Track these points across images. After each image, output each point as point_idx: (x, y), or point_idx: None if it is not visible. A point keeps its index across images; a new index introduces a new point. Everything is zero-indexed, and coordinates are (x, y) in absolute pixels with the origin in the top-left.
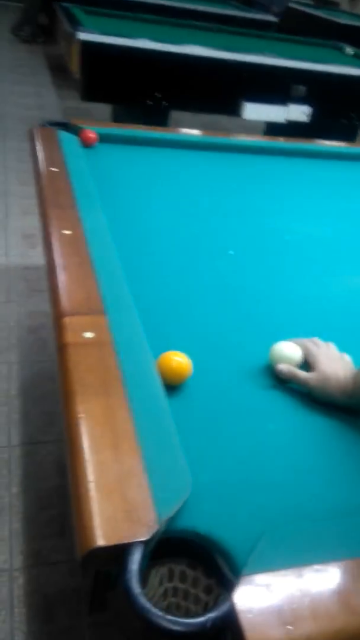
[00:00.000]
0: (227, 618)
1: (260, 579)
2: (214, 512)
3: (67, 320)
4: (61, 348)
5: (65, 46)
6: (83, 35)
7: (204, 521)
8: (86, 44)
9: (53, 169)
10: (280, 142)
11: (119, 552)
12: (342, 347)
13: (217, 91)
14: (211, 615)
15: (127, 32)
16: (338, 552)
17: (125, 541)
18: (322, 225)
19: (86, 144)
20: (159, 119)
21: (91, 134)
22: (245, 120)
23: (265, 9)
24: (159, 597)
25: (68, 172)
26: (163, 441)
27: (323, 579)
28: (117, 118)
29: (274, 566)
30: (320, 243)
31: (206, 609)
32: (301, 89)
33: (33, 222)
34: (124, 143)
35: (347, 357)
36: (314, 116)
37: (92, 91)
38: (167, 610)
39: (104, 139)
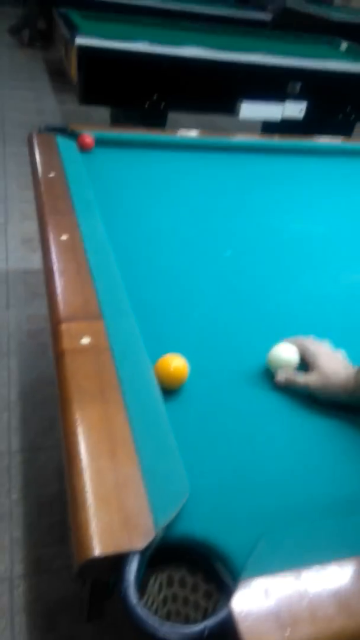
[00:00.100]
0: (225, 625)
1: (258, 583)
2: (212, 516)
3: (64, 326)
4: (58, 354)
5: (63, 51)
6: (80, 40)
7: (202, 526)
8: (83, 49)
9: (51, 175)
10: (277, 140)
11: (116, 562)
12: (341, 345)
13: (214, 91)
14: (208, 623)
15: (124, 36)
16: (336, 552)
17: (122, 551)
18: (319, 222)
19: (83, 149)
20: (157, 120)
21: (88, 138)
22: (242, 119)
23: (261, 8)
24: (159, 604)
25: (66, 178)
26: (160, 447)
27: (321, 581)
28: (116, 120)
29: (272, 569)
30: (318, 241)
31: (206, 615)
32: (297, 86)
33: (33, 227)
34: (121, 146)
35: (341, 354)
36: (311, 112)
37: (90, 95)
38: (167, 617)
39: (101, 143)
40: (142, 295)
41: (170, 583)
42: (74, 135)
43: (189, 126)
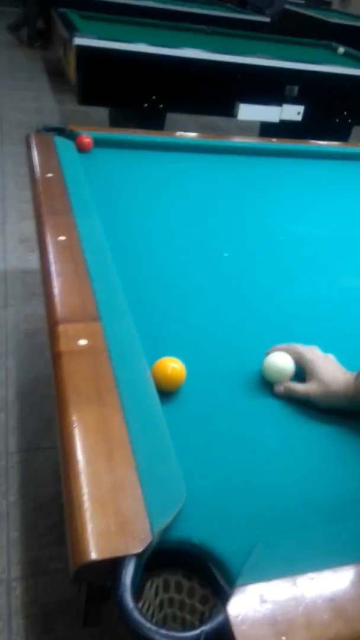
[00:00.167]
0: (221, 630)
1: (254, 589)
2: (209, 520)
3: (61, 327)
4: (56, 356)
5: (62, 51)
6: (79, 40)
7: (198, 530)
8: (82, 49)
9: (49, 175)
10: (275, 143)
11: (112, 566)
12: (338, 348)
13: (212, 93)
14: (205, 628)
15: (123, 36)
16: (332, 558)
17: (118, 555)
18: (316, 225)
19: (82, 149)
20: (156, 121)
21: (86, 138)
22: (240, 120)
23: (259, 11)
24: (155, 609)
25: (64, 178)
26: (157, 449)
27: (317, 587)
28: (115, 121)
29: (268, 575)
30: (315, 243)
31: (202, 619)
32: (294, 89)
33: (31, 226)
34: (119, 147)
35: (332, 357)
36: (308, 116)
37: (89, 95)
38: (164, 621)
39: (99, 143)
40: (140, 297)
41: (166, 587)
42: (72, 135)
43: (187, 127)
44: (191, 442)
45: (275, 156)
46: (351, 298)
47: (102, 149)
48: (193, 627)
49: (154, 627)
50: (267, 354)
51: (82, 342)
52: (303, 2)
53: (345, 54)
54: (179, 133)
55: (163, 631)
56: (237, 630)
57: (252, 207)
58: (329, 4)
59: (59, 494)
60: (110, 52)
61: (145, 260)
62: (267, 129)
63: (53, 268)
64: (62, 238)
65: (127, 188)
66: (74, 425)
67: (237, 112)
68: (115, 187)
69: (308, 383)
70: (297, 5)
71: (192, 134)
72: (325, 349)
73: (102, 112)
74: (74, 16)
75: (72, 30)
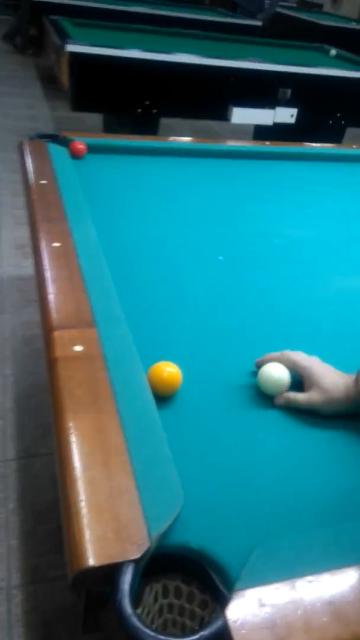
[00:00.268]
0: (220, 635)
1: (253, 593)
2: (207, 525)
3: (56, 334)
4: (51, 362)
5: (54, 58)
6: (71, 47)
7: (196, 535)
8: (75, 56)
9: (42, 182)
10: (269, 146)
11: (110, 572)
12: (333, 349)
13: (205, 97)
14: (204, 633)
15: (115, 43)
16: (331, 561)
17: (116, 561)
18: (311, 227)
19: (75, 156)
20: (149, 126)
21: (80, 145)
22: (234, 124)
23: (250, 16)
24: (155, 614)
25: (57, 185)
26: (154, 455)
27: (315, 590)
28: (108, 127)
29: (267, 579)
30: (309, 245)
31: (202, 625)
32: (287, 92)
33: (26, 233)
34: (112, 153)
35: (317, 359)
36: (301, 118)
37: (82, 101)
38: (164, 627)
39: (93, 149)
40: (135, 302)
41: (165, 593)
42: (65, 142)
43: (181, 131)
44: (188, 447)
45: (270, 159)
46: (346, 300)
47: (96, 155)
48: (192, 632)
49: (152, 633)
50: (258, 363)
51: (78, 348)
52: (295, 5)
53: (337, 56)
54: (172, 138)
55: (162, 637)
56: (237, 635)
57: (246, 210)
58: (321, 6)
59: (57, 500)
60: (102, 59)
61: (140, 265)
62: (261, 132)
63: (48, 274)
64: (56, 245)
65: (121, 194)
66: (71, 431)
67: (230, 115)
68: (109, 193)
69: (309, 392)
70: (289, 8)
71: (186, 139)
72: (321, 350)
73: (95, 118)
74: (65, 23)
75: (65, 37)
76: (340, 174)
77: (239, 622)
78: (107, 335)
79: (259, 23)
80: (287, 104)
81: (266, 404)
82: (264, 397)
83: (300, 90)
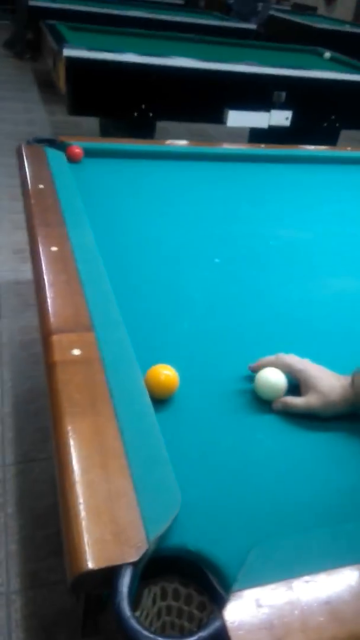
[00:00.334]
0: (217, 636)
1: (250, 594)
2: (205, 527)
3: (55, 337)
4: (49, 366)
5: (51, 62)
6: (68, 52)
7: (194, 537)
8: (72, 60)
9: (40, 186)
10: (264, 148)
11: (108, 575)
12: (329, 350)
13: (201, 100)
14: (202, 634)
15: (111, 47)
16: (327, 561)
17: (115, 563)
18: (306, 229)
19: (72, 160)
20: (146, 130)
21: (77, 149)
22: (229, 127)
23: (243, 19)
24: (154, 617)
25: (55, 189)
26: (152, 457)
27: (312, 591)
28: (105, 130)
29: (264, 579)
30: (305, 247)
31: (200, 626)
32: (282, 95)
33: (24, 237)
34: (109, 157)
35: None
36: (296, 121)
37: (79, 105)
38: (162, 629)
39: (90, 153)
40: (133, 306)
41: (164, 595)
42: (62, 146)
43: (177, 134)
44: (186, 449)
45: (265, 162)
46: (342, 301)
47: (93, 159)
48: (190, 634)
49: (151, 635)
50: (252, 368)
51: (76, 351)
52: (289, 8)
53: (331, 59)
54: (169, 141)
55: (160, 638)
56: (234, 635)
57: (242, 212)
58: (315, 9)
59: (55, 505)
60: (99, 63)
61: (137, 268)
62: (257, 135)
63: (46, 279)
64: (54, 249)
65: (118, 197)
66: (69, 435)
67: (226, 118)
68: (106, 197)
69: (306, 396)
70: (283, 11)
71: (182, 142)
72: (317, 351)
73: (92, 122)
74: (62, 28)
75: (61, 41)
76: (335, 176)
77: (236, 623)
78: (105, 338)
79: (253, 26)
80: (282, 106)
81: (263, 405)
82: (261, 400)
83: (295, 93)
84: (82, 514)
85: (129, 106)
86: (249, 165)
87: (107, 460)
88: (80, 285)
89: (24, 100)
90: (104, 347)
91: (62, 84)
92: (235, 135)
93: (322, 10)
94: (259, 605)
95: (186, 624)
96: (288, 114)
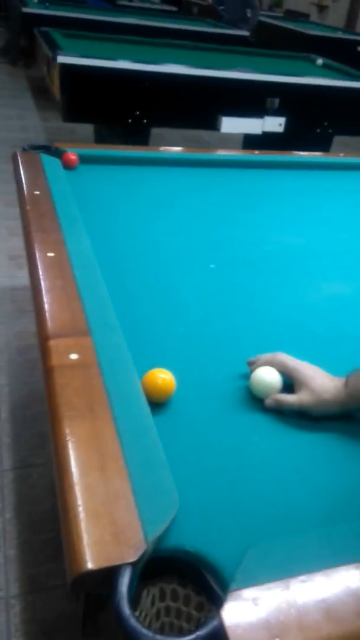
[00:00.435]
0: (215, 635)
1: (248, 593)
2: (202, 528)
3: (52, 342)
4: (47, 371)
5: (45, 69)
6: (62, 59)
7: (192, 538)
8: (66, 67)
9: (36, 193)
10: (257, 155)
11: (108, 575)
12: (321, 353)
13: (195, 107)
14: (200, 633)
15: (106, 54)
16: (323, 561)
17: (114, 564)
18: (300, 234)
19: (68, 166)
20: (140, 136)
21: (72, 156)
22: (224, 133)
23: (233, 26)
24: (152, 618)
25: (51, 195)
26: (149, 460)
27: (308, 589)
28: (100, 137)
29: (261, 579)
30: (299, 252)
31: (198, 625)
32: (276, 102)
33: (19, 244)
34: (104, 163)
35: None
36: (290, 127)
37: (73, 112)
38: (161, 630)
39: (85, 160)
40: (129, 310)
41: (162, 596)
42: (58, 153)
43: (172, 141)
44: (183, 452)
45: (259, 168)
46: (335, 305)
47: (88, 165)
48: (189, 632)
49: (150, 634)
50: (250, 363)
51: (73, 356)
52: (282, 15)
53: (324, 66)
54: (163, 148)
55: (159, 637)
56: (232, 634)
57: (236, 218)
58: (307, 16)
59: (53, 510)
60: (93, 70)
61: (133, 274)
62: (250, 141)
63: (43, 284)
64: (51, 255)
65: (113, 203)
66: (68, 438)
67: (219, 125)
68: (102, 203)
69: (298, 393)
70: (276, 18)
71: (177, 148)
72: (311, 355)
73: (87, 128)
74: (56, 35)
75: (55, 48)
76: (328, 182)
77: (234, 622)
78: (102, 343)
79: (246, 33)
80: (276, 113)
81: (259, 408)
82: (257, 402)
83: (288, 100)
84: (82, 515)
85: (123, 113)
86: (243, 172)
87: (105, 463)
88: (76, 291)
89: (18, 107)
90: (101, 351)
91: (56, 90)
92: (229, 141)
93: (314, 17)
94: (256, 604)
95: (184, 624)
96: (281, 120)
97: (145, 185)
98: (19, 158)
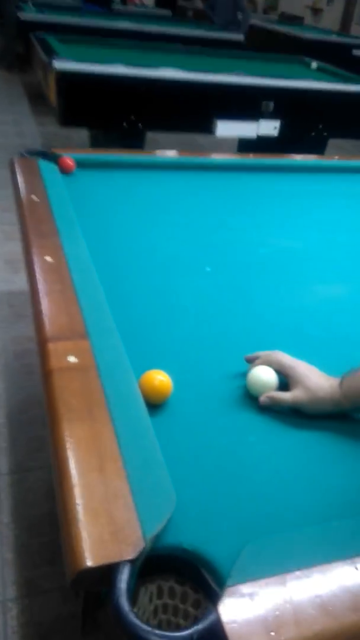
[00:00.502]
0: (212, 629)
1: (244, 588)
2: (199, 527)
3: (51, 345)
4: (46, 373)
5: (42, 75)
6: (59, 64)
7: (189, 536)
8: (62, 73)
9: (34, 198)
10: (252, 158)
11: (107, 572)
12: (317, 355)
13: (190, 111)
14: (198, 627)
15: (101, 59)
16: (317, 557)
17: (113, 561)
18: (295, 237)
19: (65, 171)
20: (136, 140)
21: (69, 161)
22: (219, 136)
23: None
24: (150, 615)
25: (49, 200)
26: (147, 460)
27: (304, 585)
28: (95, 141)
29: (257, 575)
30: (294, 255)
31: (195, 620)
32: (270, 105)
33: (15, 248)
34: (101, 168)
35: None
36: (285, 130)
37: (69, 117)
38: (159, 627)
39: (82, 165)
40: (126, 313)
41: (160, 593)
42: (55, 158)
43: (167, 145)
44: (180, 452)
45: (254, 171)
46: (330, 306)
47: (85, 170)
48: (186, 627)
49: (149, 629)
50: (248, 359)
51: (72, 359)
52: (276, 18)
53: (318, 69)
54: (159, 152)
55: (157, 632)
56: (229, 628)
57: (231, 221)
58: (302, 19)
59: (50, 513)
60: (89, 75)
61: (130, 277)
62: (245, 145)
63: (41, 288)
64: (49, 259)
65: (110, 207)
66: (67, 439)
67: (214, 129)
68: (99, 207)
69: (293, 390)
70: (271, 21)
71: (172, 152)
72: (307, 355)
73: (82, 133)
74: (52, 40)
75: (52, 54)
76: (323, 185)
77: (231, 617)
78: (100, 346)
79: (241, 37)
80: (270, 116)
81: (255, 408)
82: (253, 403)
83: (283, 103)
84: (81, 514)
85: (119, 117)
86: (239, 175)
87: (104, 463)
88: (74, 294)
89: (13, 112)
90: (99, 354)
91: (52, 96)
92: (224, 144)
93: (309, 20)
94: (252, 599)
95: (182, 621)
96: (276, 123)
97: (142, 189)
98: (16, 164)
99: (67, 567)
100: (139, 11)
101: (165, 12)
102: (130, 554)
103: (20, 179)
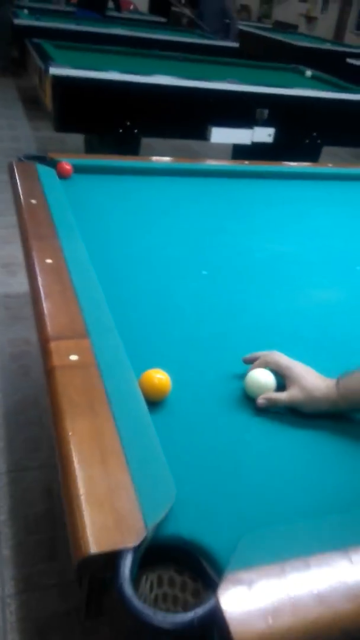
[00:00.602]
0: (212, 613)
1: (243, 575)
2: (198, 519)
3: (53, 344)
4: (49, 371)
5: (38, 80)
6: (54, 70)
7: (188, 527)
8: (58, 78)
9: (33, 202)
10: (247, 165)
11: (111, 559)
12: (312, 358)
13: (185, 117)
14: (198, 611)
15: (96, 65)
16: (314, 547)
17: (117, 548)
18: (289, 242)
19: (63, 176)
20: (131, 146)
21: (67, 165)
22: (213, 143)
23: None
24: (151, 604)
25: (47, 204)
26: (147, 454)
27: (300, 575)
28: (90, 146)
29: (255, 563)
30: (289, 259)
31: (196, 606)
32: (265, 112)
33: (12, 251)
34: (98, 173)
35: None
36: (279, 137)
37: (65, 122)
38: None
39: (79, 170)
40: (126, 314)
41: (160, 583)
42: (52, 163)
43: (162, 150)
44: (179, 447)
45: (248, 177)
46: (324, 310)
47: (82, 175)
48: (187, 612)
49: (152, 612)
50: (245, 360)
51: (73, 357)
52: (270, 26)
53: (312, 77)
54: (155, 158)
55: (160, 613)
56: (228, 612)
57: (227, 226)
58: (296, 27)
59: (47, 511)
60: (85, 81)
61: (128, 280)
62: (240, 151)
63: (42, 289)
64: (48, 261)
65: (107, 211)
66: (70, 433)
67: (209, 135)
68: (96, 211)
69: (290, 390)
70: (265, 29)
71: (167, 158)
72: (302, 358)
73: (77, 138)
74: (48, 46)
75: (47, 60)
76: (317, 192)
77: (229, 601)
78: (100, 345)
79: (236, 44)
80: (265, 123)
81: (252, 408)
82: (250, 402)
83: (278, 111)
84: (85, 504)
85: (114, 123)
86: (234, 181)
87: (106, 457)
88: (74, 295)
89: (8, 116)
90: (99, 352)
91: (48, 101)
92: (219, 151)
93: (303, 28)
94: (250, 586)
95: (181, 610)
96: (271, 131)
97: (138, 193)
98: (15, 168)
99: (72, 554)
100: (132, 17)
101: (159, 18)
102: (133, 542)
103: (19, 183)
